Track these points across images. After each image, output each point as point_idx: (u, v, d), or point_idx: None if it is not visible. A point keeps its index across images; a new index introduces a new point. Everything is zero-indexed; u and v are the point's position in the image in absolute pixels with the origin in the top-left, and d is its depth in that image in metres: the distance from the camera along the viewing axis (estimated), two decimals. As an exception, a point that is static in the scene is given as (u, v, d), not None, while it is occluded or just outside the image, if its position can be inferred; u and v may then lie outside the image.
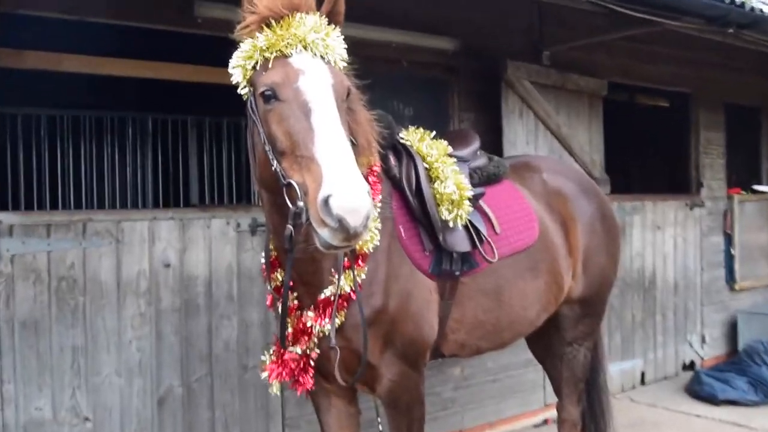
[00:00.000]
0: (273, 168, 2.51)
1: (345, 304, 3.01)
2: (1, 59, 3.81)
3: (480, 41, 5.58)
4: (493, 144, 5.48)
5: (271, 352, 3.13)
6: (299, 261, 2.90)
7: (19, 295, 3.81)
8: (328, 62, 2.61)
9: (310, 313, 3.03)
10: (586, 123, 6.10)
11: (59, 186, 6.16)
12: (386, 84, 5.22)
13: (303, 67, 2.53)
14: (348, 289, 2.97)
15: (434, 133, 3.48)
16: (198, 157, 6.83)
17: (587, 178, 4.25)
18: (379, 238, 3.05)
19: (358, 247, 2.97)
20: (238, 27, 2.60)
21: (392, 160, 3.33)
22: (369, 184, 3.09)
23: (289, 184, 2.45)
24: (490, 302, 3.49)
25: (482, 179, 3.63)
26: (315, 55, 2.57)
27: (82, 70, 4.27)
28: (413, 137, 3.39)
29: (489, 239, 3.39)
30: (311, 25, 2.57)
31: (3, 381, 3.76)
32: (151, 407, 4.22)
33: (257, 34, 2.56)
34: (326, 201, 2.25)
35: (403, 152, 3.35)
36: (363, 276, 3.02)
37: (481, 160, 3.74)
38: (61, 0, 3.95)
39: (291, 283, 3.07)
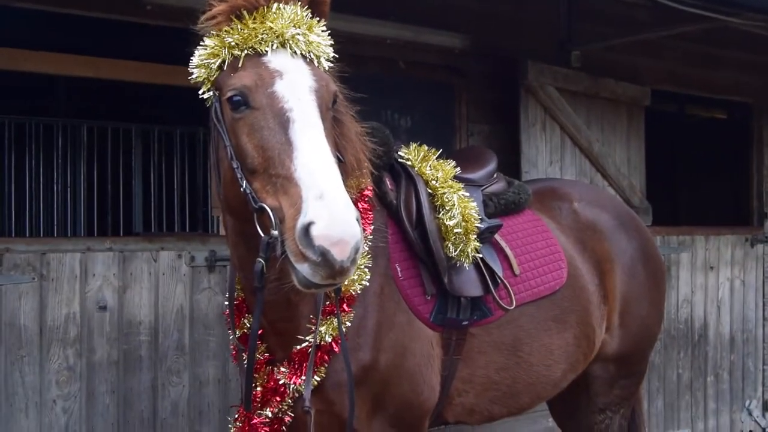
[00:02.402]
0: (242, 189, 2.55)
1: (326, 357, 3.05)
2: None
3: (494, 38, 5.65)
4: (509, 164, 5.56)
5: (236, 416, 3.17)
6: (271, 304, 2.95)
7: None
8: (311, 62, 2.67)
9: (284, 369, 3.06)
10: (624, 139, 6.20)
11: None
12: (379, 89, 5.29)
13: (280, 68, 2.58)
14: (329, 340, 3.02)
15: (440, 151, 3.55)
16: (143, 175, 6.83)
17: (627, 209, 4.32)
18: (369, 277, 3.10)
19: (343, 287, 3.02)
20: (203, 18, 2.64)
21: (389, 183, 3.39)
22: (358, 211, 3.19)
23: (262, 209, 2.48)
24: (506, 359, 3.53)
25: (499, 208, 3.70)
26: (295, 53, 2.62)
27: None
28: (415, 156, 3.45)
29: (505, 282, 3.45)
30: (290, 17, 2.62)
31: None
32: (79, 486, 4.24)
33: (226, 27, 2.62)
34: (307, 230, 2.28)
35: (402, 174, 3.40)
36: (348, 323, 3.07)
37: (499, 185, 3.81)
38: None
39: (260, 331, 3.13)
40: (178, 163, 6.96)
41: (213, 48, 2.63)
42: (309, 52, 2.66)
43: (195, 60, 2.69)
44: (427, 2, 5.40)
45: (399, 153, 3.47)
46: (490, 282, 3.39)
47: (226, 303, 3.27)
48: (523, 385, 3.62)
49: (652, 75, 6.59)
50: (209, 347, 4.57)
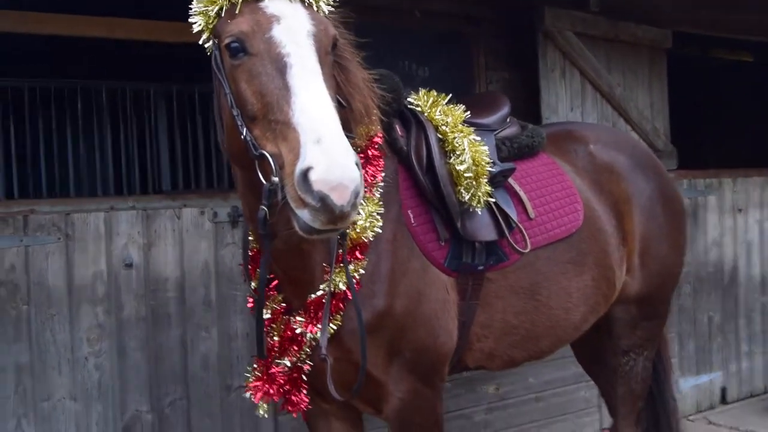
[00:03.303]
0: (242, 136, 2.50)
1: (341, 305, 3.00)
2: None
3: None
4: (529, 110, 5.45)
5: (255, 366, 3.14)
6: (283, 253, 2.91)
7: (-52, 305, 3.86)
8: (309, 6, 2.60)
9: (300, 318, 3.02)
10: (646, 83, 6.04)
11: None
12: (395, 40, 5.22)
13: (277, 13, 2.51)
14: (343, 287, 2.97)
15: (450, 96, 3.45)
16: (168, 134, 6.83)
17: (645, 149, 4.21)
18: (381, 224, 3.04)
19: (354, 234, 2.97)
20: None
21: (399, 129, 3.31)
22: (367, 157, 3.12)
23: (262, 156, 2.42)
24: (524, 303, 3.47)
25: (512, 152, 3.60)
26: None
27: (16, 30, 4.28)
28: (424, 102, 3.36)
29: (520, 225, 3.37)
30: None
31: (-69, 408, 3.82)
32: (113, 438, 4.27)
33: None
34: (305, 175, 2.21)
35: (412, 120, 3.32)
36: (361, 271, 3.01)
37: (512, 129, 3.71)
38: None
39: (275, 281, 3.09)
40: (200, 121, 6.94)
41: None
42: None
43: (193, 8, 2.63)
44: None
45: (409, 99, 3.38)
46: (504, 226, 3.31)
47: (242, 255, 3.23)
48: (543, 328, 3.55)
49: (673, 17, 6.35)
50: (236, 302, 4.54)
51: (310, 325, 3.00)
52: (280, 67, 2.43)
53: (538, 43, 5.43)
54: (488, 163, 3.28)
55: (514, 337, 3.50)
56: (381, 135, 3.18)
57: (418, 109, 3.35)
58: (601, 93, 5.71)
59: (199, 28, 2.62)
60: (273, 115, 2.40)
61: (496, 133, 3.62)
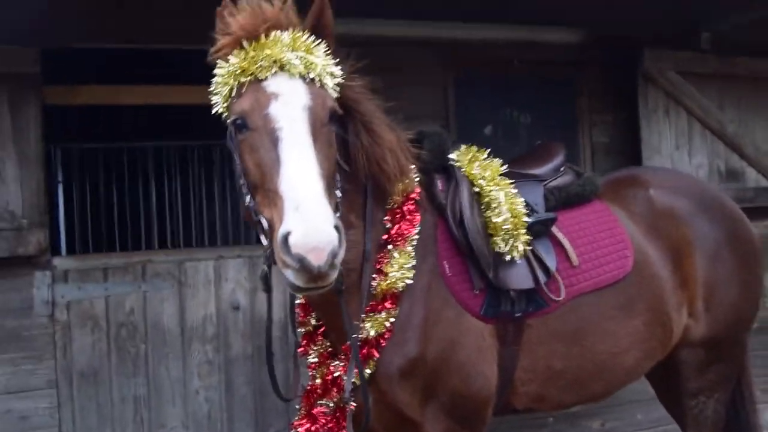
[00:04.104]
0: (246, 203, 2.73)
1: (373, 351, 3.15)
2: (51, 96, 4.37)
3: (612, 27, 5.43)
4: (633, 151, 5.40)
5: (299, 406, 3.35)
6: (320, 304, 3.14)
7: (77, 343, 4.32)
8: (311, 82, 2.77)
9: (337, 362, 3.21)
10: (766, 117, 5.78)
11: (117, 226, 6.82)
12: (497, 88, 5.33)
13: (277, 91, 2.68)
14: (373, 334, 3.12)
15: (488, 150, 3.53)
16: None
17: (714, 193, 4.06)
18: (413, 275, 3.16)
19: (385, 285, 3.11)
20: (211, 50, 2.81)
21: (440, 185, 3.43)
22: (402, 213, 3.26)
23: (259, 221, 2.65)
24: (568, 348, 3.46)
25: (560, 201, 3.62)
26: (293, 75, 2.74)
27: (138, 102, 4.77)
28: (463, 158, 3.47)
29: (555, 273, 3.39)
30: (288, 42, 2.74)
31: (62, 433, 4.30)
32: (223, 464, 4.60)
33: (232, 56, 2.78)
34: (285, 239, 2.39)
35: (453, 176, 3.44)
36: (392, 320, 3.15)
37: (564, 178, 3.72)
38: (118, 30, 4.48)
39: (323, 328, 3.30)
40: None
41: (222, 77, 2.78)
42: (308, 73, 2.76)
43: (213, 89, 2.87)
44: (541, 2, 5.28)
45: (451, 156, 3.49)
46: (540, 273, 3.35)
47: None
48: (590, 373, 3.53)
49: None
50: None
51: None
52: (274, 140, 2.61)
53: (638, 84, 5.36)
54: (524, 214, 3.34)
55: (560, 381, 3.50)
56: (418, 191, 3.30)
57: (459, 164, 3.44)
58: (711, 130, 5.52)
59: (219, 108, 2.87)
60: (267, 184, 2.61)
61: (546, 183, 3.66)
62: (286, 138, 2.61)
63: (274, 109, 2.66)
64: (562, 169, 3.77)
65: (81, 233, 6.51)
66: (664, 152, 5.37)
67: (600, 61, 5.56)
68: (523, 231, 3.30)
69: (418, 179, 3.31)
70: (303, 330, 3.38)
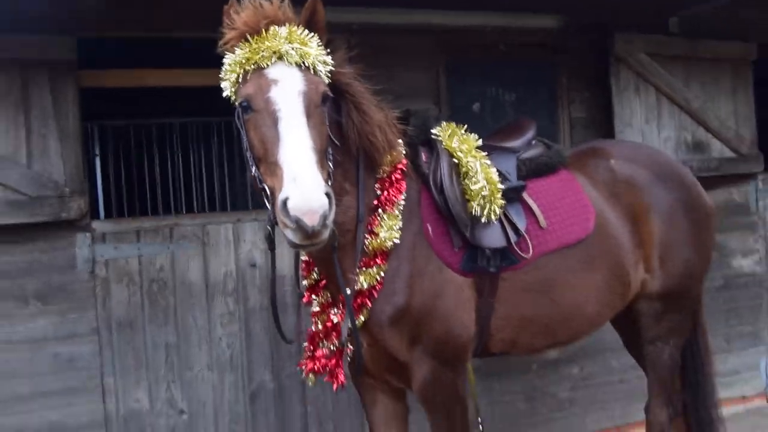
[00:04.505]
0: (252, 173, 2.92)
1: (366, 301, 3.34)
2: (87, 79, 4.55)
3: (588, 13, 5.54)
4: (606, 125, 5.52)
5: (304, 347, 3.55)
6: (320, 260, 3.34)
7: (115, 296, 4.54)
8: (306, 69, 2.94)
9: (335, 310, 3.41)
10: (730, 93, 5.87)
11: (148, 193, 7.09)
12: (484, 70, 5.45)
13: (276, 77, 2.87)
14: (365, 286, 3.31)
15: (465, 126, 3.68)
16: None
17: (670, 164, 4.19)
18: (401, 235, 3.34)
19: (376, 243, 3.30)
20: (220, 42, 3.00)
21: (424, 156, 3.60)
22: (391, 180, 3.43)
23: (263, 188, 2.85)
24: (538, 299, 3.64)
25: (530, 170, 3.78)
26: (290, 64, 2.91)
27: (162, 84, 4.93)
28: (444, 133, 3.62)
29: (526, 234, 3.55)
30: (285, 35, 2.91)
31: (104, 374, 4.51)
32: (243, 401, 4.81)
33: (238, 48, 2.95)
34: (285, 203, 2.62)
35: (435, 149, 3.60)
36: (382, 273, 3.33)
37: (535, 150, 3.88)
38: (145, 20, 4.64)
39: (324, 282, 3.49)
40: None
41: (230, 66, 2.96)
42: (303, 62, 2.93)
43: (221, 76, 3.04)
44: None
45: (433, 131, 3.64)
46: (511, 234, 3.51)
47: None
48: (557, 321, 3.71)
49: (759, 30, 6.10)
50: (341, 293, 4.98)
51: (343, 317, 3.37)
52: (274, 119, 2.81)
53: (611, 65, 5.46)
54: (498, 181, 3.50)
55: (531, 328, 3.68)
56: (405, 162, 3.47)
57: (440, 138, 3.60)
58: (678, 105, 5.63)
59: (228, 92, 3.04)
60: (269, 158, 2.80)
61: (518, 154, 3.81)
62: (284, 118, 2.80)
63: (274, 93, 2.85)
64: (533, 142, 3.92)
65: (116, 200, 6.74)
66: (635, 126, 5.48)
67: (577, 44, 5.67)
68: (499, 196, 3.47)
69: (404, 152, 3.48)
70: (306, 283, 3.57)
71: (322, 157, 2.86)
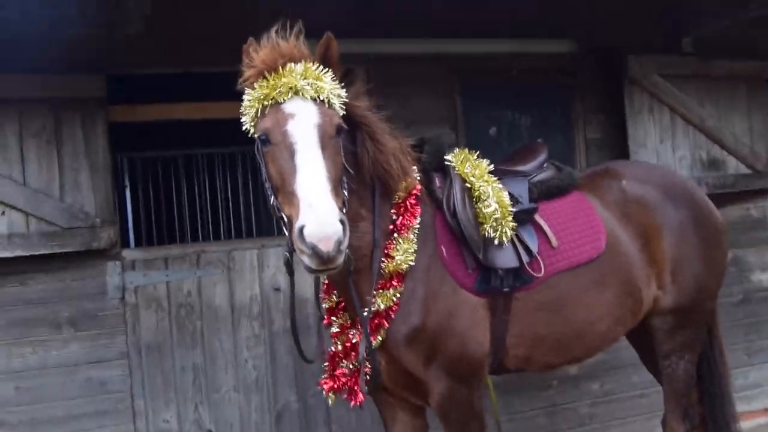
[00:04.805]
0: (271, 202, 3.10)
1: (384, 322, 3.49)
2: (116, 114, 4.79)
3: (601, 37, 5.69)
4: (621, 146, 5.65)
5: (324, 366, 3.70)
6: (339, 284, 3.50)
7: (144, 322, 4.73)
8: (321, 103, 3.09)
9: (354, 331, 3.56)
10: (745, 111, 5.96)
11: (176, 221, 7.32)
12: (499, 95, 5.60)
13: (292, 111, 3.03)
14: (383, 307, 3.46)
15: (476, 152, 3.83)
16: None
17: (680, 182, 4.30)
18: (414, 258, 3.47)
19: (392, 267, 3.45)
20: (240, 79, 3.18)
21: (437, 182, 3.75)
22: (405, 206, 3.59)
23: (282, 217, 3.02)
24: (551, 317, 3.75)
25: (542, 193, 3.91)
26: (306, 99, 3.08)
27: (190, 117, 5.16)
28: (457, 159, 3.77)
29: (538, 254, 3.68)
30: (300, 72, 3.07)
31: (134, 396, 4.69)
32: (269, 422, 4.96)
33: (257, 83, 3.11)
34: (301, 231, 2.78)
35: (448, 174, 3.75)
36: (398, 295, 3.48)
37: (546, 173, 4.01)
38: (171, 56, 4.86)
39: (343, 303, 3.65)
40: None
41: (249, 101, 3.13)
42: (318, 96, 3.10)
43: (243, 110, 3.23)
44: (531, 16, 5.46)
45: (447, 158, 3.79)
46: (523, 254, 3.65)
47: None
48: (570, 338, 3.82)
49: (773, 49, 6.21)
50: (363, 316, 5.13)
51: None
52: (291, 152, 2.97)
53: (625, 87, 5.59)
54: (510, 204, 3.65)
55: (544, 345, 3.79)
56: (419, 187, 3.63)
57: (453, 164, 3.75)
58: (693, 124, 5.73)
59: (247, 126, 3.22)
60: (287, 188, 2.96)
61: (530, 178, 3.95)
62: (300, 150, 2.97)
63: (291, 127, 3.02)
64: (545, 165, 4.06)
65: (146, 229, 6.99)
66: (650, 146, 5.59)
67: (591, 67, 5.78)
68: (510, 218, 3.61)
69: (418, 178, 3.64)
70: (326, 305, 3.73)
71: (336, 186, 3.02)
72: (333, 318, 3.70)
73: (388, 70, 5.02)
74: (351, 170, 3.26)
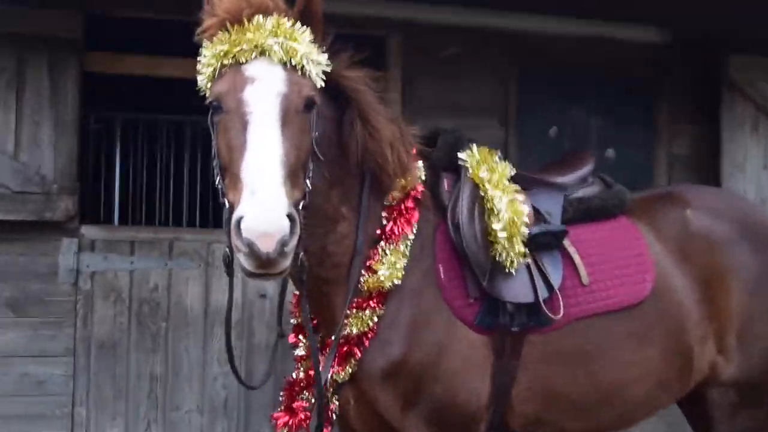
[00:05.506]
0: (216, 183, 2.93)
1: (355, 350, 3.29)
2: (93, 63, 4.70)
3: (700, 26, 5.34)
4: (712, 166, 5.34)
5: (281, 397, 3.52)
6: (310, 295, 3.28)
7: (98, 314, 4.64)
8: (293, 68, 2.91)
9: (321, 357, 3.37)
10: None
11: (148, 202, 7.20)
12: (565, 88, 5.36)
13: (253, 75, 2.85)
14: (356, 331, 3.27)
15: (497, 151, 3.59)
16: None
17: (764, 220, 3.99)
18: (403, 275, 3.26)
19: (372, 283, 3.25)
20: (198, 30, 2.99)
21: (446, 184, 3.53)
22: (400, 210, 3.38)
23: (224, 204, 2.85)
24: (573, 371, 3.49)
25: (579, 213, 3.64)
26: (272, 61, 2.89)
27: (180, 74, 5.00)
28: (473, 158, 3.54)
29: (559, 290, 3.42)
30: (270, 28, 2.90)
31: (75, 402, 4.60)
32: (234, 454, 4.85)
33: (216, 38, 2.93)
34: (238, 223, 2.60)
35: (460, 177, 3.53)
36: (375, 318, 3.27)
37: (589, 189, 3.74)
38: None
39: (315, 322, 3.47)
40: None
41: (207, 58, 2.97)
42: (289, 59, 2.92)
43: (198, 68, 3.07)
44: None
45: (461, 155, 3.56)
46: (541, 288, 3.40)
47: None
48: (596, 400, 3.55)
49: None
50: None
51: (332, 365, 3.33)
52: (244, 124, 2.80)
53: (722, 94, 5.28)
54: (533, 222, 3.40)
55: (561, 404, 3.53)
56: (421, 189, 3.41)
57: (468, 164, 3.52)
58: (811, 150, 5.40)
59: (203, 87, 3.06)
60: (233, 168, 2.80)
61: (568, 192, 3.69)
62: (254, 123, 2.79)
63: (248, 93, 2.84)
64: (589, 179, 3.79)
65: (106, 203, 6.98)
66: (749, 170, 5.28)
67: (683, 65, 5.50)
68: (519, 241, 3.36)
69: (423, 177, 3.42)
70: (294, 321, 3.55)
71: (295, 172, 2.82)
72: (300, 337, 3.53)
73: (423, 43, 4.82)
74: (322, 156, 3.05)
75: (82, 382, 4.63)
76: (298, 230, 2.67)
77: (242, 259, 2.64)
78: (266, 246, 2.57)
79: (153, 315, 4.73)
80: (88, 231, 4.71)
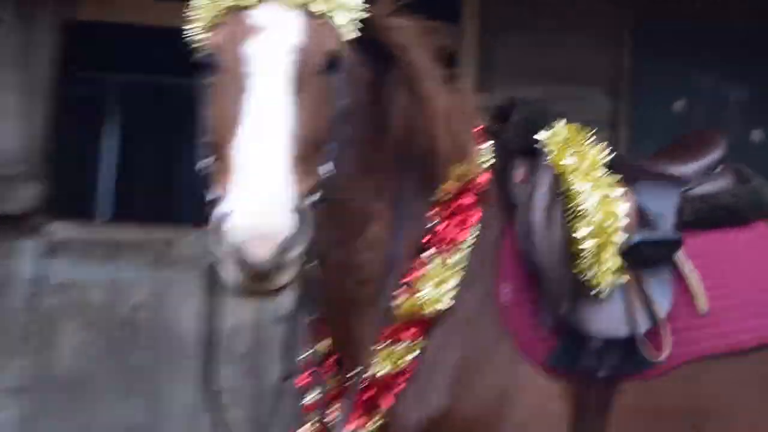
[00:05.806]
0: (197, 167, 2.93)
1: (385, 397, 3.31)
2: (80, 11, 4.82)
3: None
4: None
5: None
6: (333, 322, 3.32)
7: (63, 340, 4.77)
8: (312, 15, 2.88)
9: (338, 404, 3.41)
10: None
11: (146, 192, 7.36)
12: (696, 50, 5.36)
13: (260, 23, 2.84)
14: (385, 372, 3.28)
15: (594, 130, 3.56)
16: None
17: None
18: (455, 296, 3.28)
19: (411, 306, 3.26)
20: None
21: (521, 174, 3.52)
22: (454, 208, 3.40)
23: (212, 197, 2.85)
24: (682, 430, 3.51)
25: (700, 216, 3.61)
26: (288, 5, 2.86)
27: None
28: (556, 138, 3.51)
29: (668, 321, 3.40)
30: None
31: None
32: None
33: None
34: (223, 221, 2.55)
35: (538, 166, 3.51)
36: (414, 354, 3.28)
37: (716, 184, 3.69)
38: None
39: (335, 356, 3.51)
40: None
41: (201, 2, 3.02)
42: (308, 3, 2.93)
43: (190, 15, 3.08)
44: None
45: (539, 137, 3.55)
46: (642, 318, 3.38)
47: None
48: None
49: None
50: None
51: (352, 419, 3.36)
52: (242, 87, 2.81)
53: None
54: (621, 228, 3.37)
55: (666, 481, 3.54)
56: (486, 179, 3.41)
57: (548, 149, 3.51)
58: None
59: (195, 39, 3.07)
60: (223, 147, 2.81)
61: (686, 188, 3.67)
62: (255, 87, 2.79)
63: (251, 47, 2.85)
64: (717, 169, 3.76)
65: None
66: None
67: None
68: (613, 252, 3.34)
69: (488, 164, 3.42)
70: (307, 354, 3.59)
71: (308, 155, 2.78)
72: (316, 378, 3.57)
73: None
74: (350, 133, 3.06)
75: (37, 429, 4.74)
76: (308, 232, 2.65)
77: (226, 271, 2.63)
78: (259, 252, 2.52)
79: (133, 342, 4.81)
80: (57, 229, 4.81)
